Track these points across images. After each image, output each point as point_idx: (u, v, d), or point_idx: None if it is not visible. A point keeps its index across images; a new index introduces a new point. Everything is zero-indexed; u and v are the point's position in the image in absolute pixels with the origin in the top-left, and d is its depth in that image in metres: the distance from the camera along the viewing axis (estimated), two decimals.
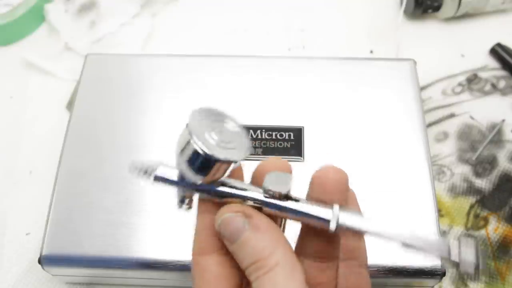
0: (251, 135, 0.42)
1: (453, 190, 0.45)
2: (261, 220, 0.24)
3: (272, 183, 0.24)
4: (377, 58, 0.51)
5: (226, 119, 0.26)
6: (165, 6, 0.60)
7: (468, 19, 0.57)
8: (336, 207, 0.23)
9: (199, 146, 0.23)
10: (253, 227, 0.24)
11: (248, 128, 0.42)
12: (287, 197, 0.24)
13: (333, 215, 0.23)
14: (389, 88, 0.44)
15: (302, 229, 0.27)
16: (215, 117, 0.26)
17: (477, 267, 0.22)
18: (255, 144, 0.41)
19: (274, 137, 0.42)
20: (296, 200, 0.24)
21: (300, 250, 0.27)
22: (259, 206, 0.24)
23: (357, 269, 0.27)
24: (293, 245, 0.27)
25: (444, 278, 0.37)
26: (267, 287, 0.22)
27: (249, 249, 0.23)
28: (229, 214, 0.24)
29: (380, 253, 0.36)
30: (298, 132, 0.42)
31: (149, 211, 0.38)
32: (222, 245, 0.25)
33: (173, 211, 0.38)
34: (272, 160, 0.26)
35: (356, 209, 0.27)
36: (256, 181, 0.26)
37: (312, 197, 0.25)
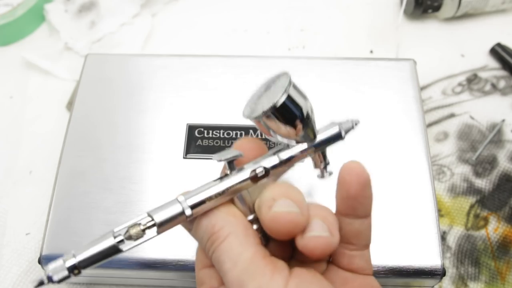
0: (251, 135, 0.42)
1: (453, 190, 0.45)
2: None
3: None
4: (377, 58, 0.51)
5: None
6: (165, 6, 0.60)
7: (468, 19, 0.57)
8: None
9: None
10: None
11: (248, 128, 0.42)
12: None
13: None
14: (389, 88, 0.44)
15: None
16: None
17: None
18: None
19: None
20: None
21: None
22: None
23: (347, 252, 0.27)
24: None
25: (444, 278, 0.37)
26: (223, 255, 0.23)
27: (204, 227, 0.25)
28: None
29: (380, 253, 0.36)
30: None
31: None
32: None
33: None
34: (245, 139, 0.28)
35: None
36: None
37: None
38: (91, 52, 0.49)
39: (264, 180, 0.26)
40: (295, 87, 0.25)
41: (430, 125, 0.49)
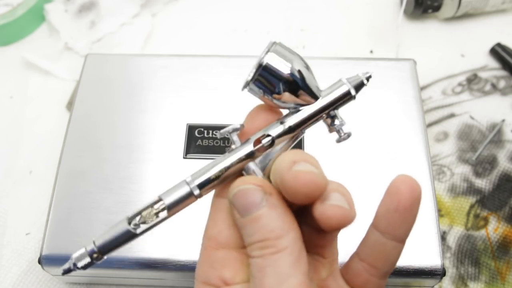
0: None
1: (453, 190, 0.45)
2: (279, 200, 0.23)
3: None
4: (377, 58, 0.51)
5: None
6: (165, 6, 0.60)
7: (468, 19, 0.57)
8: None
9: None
10: (271, 205, 0.23)
11: None
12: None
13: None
14: (389, 88, 0.44)
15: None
16: None
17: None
18: None
19: None
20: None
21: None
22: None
23: (367, 276, 0.25)
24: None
25: (444, 278, 0.37)
26: (270, 267, 0.22)
27: (261, 226, 0.22)
28: (249, 186, 0.23)
29: None
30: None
31: None
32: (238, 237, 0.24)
33: None
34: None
35: None
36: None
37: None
38: (91, 52, 0.49)
39: (273, 150, 0.25)
40: (282, 46, 0.25)
41: (430, 125, 0.49)
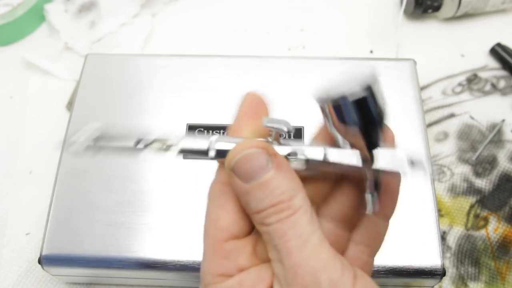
0: None
1: (453, 190, 0.45)
2: (284, 160, 0.23)
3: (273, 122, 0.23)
4: (377, 58, 0.51)
5: None
6: (165, 6, 0.60)
7: (468, 19, 0.57)
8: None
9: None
10: (277, 166, 0.22)
11: None
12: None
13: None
14: (389, 88, 0.44)
15: (336, 188, 0.26)
16: None
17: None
18: None
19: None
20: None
21: (323, 210, 0.26)
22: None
23: (365, 257, 0.26)
24: None
25: (444, 278, 0.37)
26: (291, 230, 0.21)
27: (271, 190, 0.21)
28: (253, 150, 0.22)
29: (380, 253, 0.36)
30: (298, 132, 0.42)
31: (149, 211, 0.38)
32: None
33: (173, 211, 0.38)
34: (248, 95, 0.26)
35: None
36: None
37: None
38: (91, 52, 0.49)
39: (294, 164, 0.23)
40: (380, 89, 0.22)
41: (430, 125, 0.49)
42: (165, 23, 0.58)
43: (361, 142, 0.22)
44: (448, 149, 0.48)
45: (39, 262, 0.37)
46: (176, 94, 0.44)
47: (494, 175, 0.46)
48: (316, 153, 0.23)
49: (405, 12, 0.56)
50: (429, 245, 0.37)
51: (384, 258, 0.36)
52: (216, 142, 0.24)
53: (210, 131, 0.42)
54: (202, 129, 0.42)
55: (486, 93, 0.51)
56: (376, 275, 0.36)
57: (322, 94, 0.23)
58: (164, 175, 0.40)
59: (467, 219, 0.44)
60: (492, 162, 0.47)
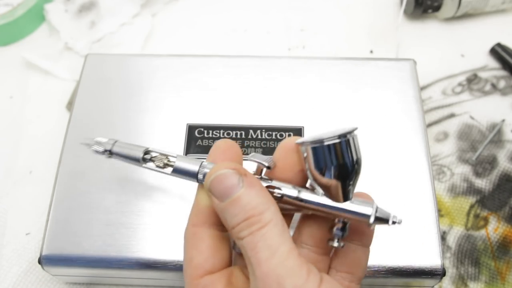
0: (251, 135, 0.42)
1: (453, 190, 0.45)
2: (255, 179, 0.25)
3: (258, 158, 0.26)
4: (377, 58, 0.51)
5: None
6: (165, 6, 0.60)
7: (468, 19, 0.57)
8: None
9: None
10: (248, 184, 0.24)
11: (248, 128, 0.42)
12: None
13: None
14: (389, 88, 0.44)
15: (303, 216, 0.28)
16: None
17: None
18: (255, 144, 0.41)
19: (274, 137, 0.42)
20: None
21: (298, 237, 0.28)
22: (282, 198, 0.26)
23: (347, 283, 0.27)
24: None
25: (444, 278, 0.37)
26: (261, 242, 0.23)
27: (243, 205, 0.24)
28: (225, 171, 0.25)
29: (380, 253, 0.36)
30: (298, 132, 0.42)
31: (149, 211, 0.38)
32: (217, 220, 0.26)
33: (173, 211, 0.38)
34: (223, 140, 0.28)
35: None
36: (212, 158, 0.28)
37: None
38: (91, 52, 0.49)
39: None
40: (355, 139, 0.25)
41: (430, 125, 0.49)
42: (165, 23, 0.58)
43: (333, 187, 0.25)
44: (448, 149, 0.48)
45: (39, 262, 0.37)
46: (176, 94, 0.44)
47: (494, 175, 0.46)
48: (291, 191, 0.26)
49: (405, 12, 0.56)
50: (429, 245, 0.37)
51: (384, 258, 0.36)
52: (206, 168, 0.27)
53: (210, 131, 0.42)
54: (202, 129, 0.42)
55: (486, 93, 0.51)
56: (376, 275, 0.36)
57: (304, 139, 0.25)
58: (164, 175, 0.40)
59: (467, 219, 0.44)
60: (492, 162, 0.47)
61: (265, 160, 0.26)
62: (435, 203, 0.38)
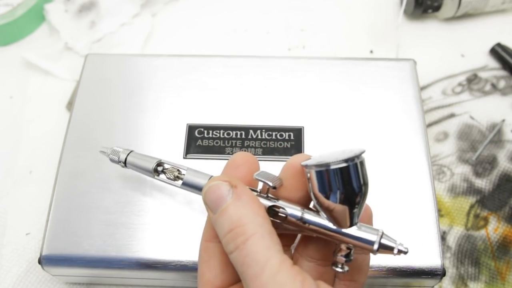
0: (251, 135, 0.42)
1: (453, 190, 0.45)
2: (244, 190, 0.25)
3: (264, 177, 0.26)
4: (377, 58, 0.51)
5: None
6: (165, 6, 0.60)
7: (468, 19, 0.57)
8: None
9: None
10: (236, 195, 0.24)
11: (248, 128, 0.42)
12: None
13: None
14: (389, 88, 0.44)
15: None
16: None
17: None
18: (255, 144, 0.41)
19: (274, 137, 0.42)
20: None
21: (302, 251, 0.27)
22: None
23: None
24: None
25: (444, 278, 0.37)
26: (248, 257, 0.22)
27: (229, 216, 0.24)
28: (217, 182, 0.25)
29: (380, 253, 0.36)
30: (298, 132, 0.42)
31: (149, 211, 0.38)
32: None
33: (173, 211, 0.38)
34: (240, 154, 0.28)
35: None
36: (229, 171, 0.27)
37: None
38: (91, 52, 0.49)
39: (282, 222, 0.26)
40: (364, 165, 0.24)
41: (430, 125, 0.49)
42: (165, 23, 0.58)
43: (338, 211, 0.24)
44: (448, 149, 0.48)
45: (39, 262, 0.37)
46: (176, 94, 0.44)
47: (494, 175, 0.46)
48: (295, 212, 0.25)
49: (405, 12, 0.56)
50: (429, 245, 0.37)
51: (384, 258, 0.36)
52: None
53: (210, 131, 0.42)
54: (202, 129, 0.42)
55: (486, 93, 0.51)
56: (376, 275, 0.36)
57: (309, 162, 0.25)
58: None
59: (467, 219, 0.44)
60: (492, 162, 0.47)
61: (271, 179, 0.25)
62: (435, 203, 0.38)
